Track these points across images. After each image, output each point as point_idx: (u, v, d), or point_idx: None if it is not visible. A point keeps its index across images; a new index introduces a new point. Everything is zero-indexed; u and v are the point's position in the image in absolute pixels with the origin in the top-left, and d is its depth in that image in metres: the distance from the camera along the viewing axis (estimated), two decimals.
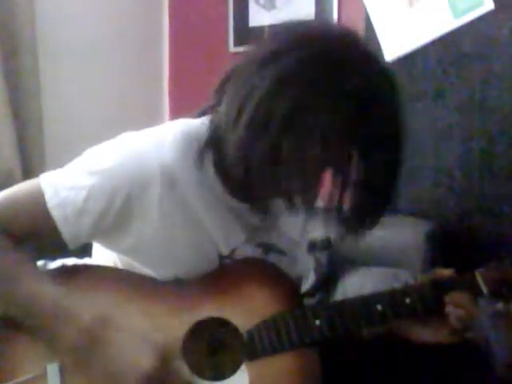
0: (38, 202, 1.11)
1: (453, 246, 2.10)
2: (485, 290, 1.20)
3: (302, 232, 1.35)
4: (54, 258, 1.23)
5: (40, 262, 1.63)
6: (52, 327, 1.10)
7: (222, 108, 1.11)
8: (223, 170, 1.16)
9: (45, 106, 2.35)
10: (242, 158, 1.06)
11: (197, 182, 1.16)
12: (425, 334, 1.22)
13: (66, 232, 1.12)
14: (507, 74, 2.05)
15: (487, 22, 2.06)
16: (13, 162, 2.23)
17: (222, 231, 1.20)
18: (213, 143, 1.16)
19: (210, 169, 1.17)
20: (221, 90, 1.12)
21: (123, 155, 1.14)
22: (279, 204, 1.27)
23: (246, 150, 1.05)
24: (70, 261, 1.27)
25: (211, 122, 1.17)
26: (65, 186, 1.12)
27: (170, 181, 1.13)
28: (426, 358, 1.25)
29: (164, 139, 1.15)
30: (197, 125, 1.19)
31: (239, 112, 1.05)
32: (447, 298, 1.18)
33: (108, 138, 1.18)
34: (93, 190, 1.11)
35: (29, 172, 2.27)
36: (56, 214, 1.11)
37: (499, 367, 1.37)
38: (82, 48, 2.57)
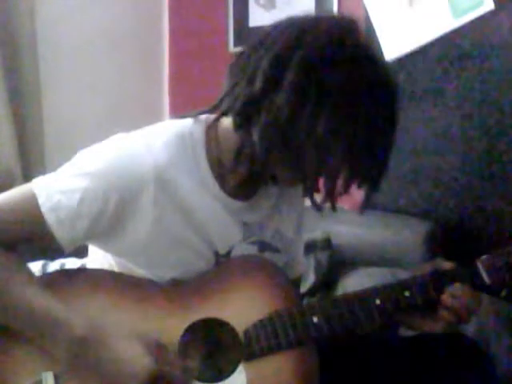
0: (31, 207, 1.10)
1: (453, 246, 2.10)
2: (486, 278, 1.19)
3: (296, 230, 1.34)
4: (53, 258, 1.23)
5: (40, 262, 1.63)
6: (47, 338, 1.09)
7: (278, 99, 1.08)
8: (222, 169, 1.16)
9: (45, 106, 2.35)
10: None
11: (192, 182, 1.15)
12: (420, 322, 1.22)
13: (61, 236, 1.11)
14: (507, 74, 2.05)
15: (487, 21, 2.06)
16: (13, 162, 2.24)
17: (219, 230, 1.19)
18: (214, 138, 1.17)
19: (205, 168, 1.17)
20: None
21: (116, 157, 1.12)
22: (273, 201, 1.27)
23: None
24: (70, 261, 1.27)
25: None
26: (57, 189, 1.10)
27: (163, 182, 1.12)
28: (426, 358, 1.25)
29: (157, 140, 1.14)
30: (190, 125, 1.19)
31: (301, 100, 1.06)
32: (446, 289, 1.18)
33: (108, 137, 1.18)
34: (86, 192, 1.10)
35: (29, 172, 2.27)
36: (50, 218, 1.10)
37: (499, 366, 1.37)
38: (82, 48, 2.57)
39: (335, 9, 2.53)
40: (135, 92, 2.82)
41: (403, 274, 1.91)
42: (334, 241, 2.18)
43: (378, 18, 2.29)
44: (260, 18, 2.71)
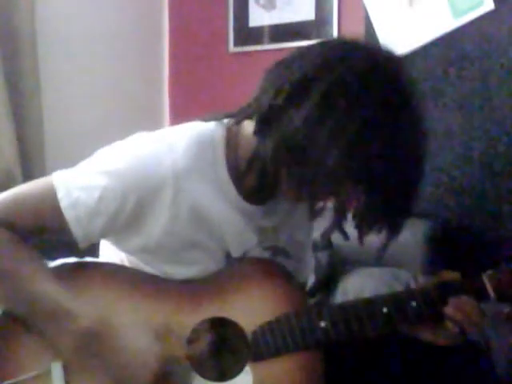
0: (50, 200, 1.11)
1: (453, 245, 2.10)
2: (491, 292, 1.20)
3: (307, 234, 1.35)
4: (54, 258, 1.23)
5: None
6: (53, 327, 1.10)
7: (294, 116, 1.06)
8: (239, 173, 1.17)
9: (45, 106, 2.35)
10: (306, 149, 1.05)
11: (209, 185, 1.16)
12: (423, 333, 1.22)
13: (78, 232, 1.12)
14: (507, 74, 2.05)
15: (487, 21, 2.06)
16: (13, 162, 2.23)
17: (235, 234, 1.20)
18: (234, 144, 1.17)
19: (223, 172, 1.17)
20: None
21: (136, 157, 1.13)
22: (288, 206, 1.27)
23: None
24: (71, 261, 1.27)
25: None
26: (77, 185, 1.11)
27: (182, 184, 1.12)
28: (426, 358, 1.25)
29: (177, 143, 1.14)
30: (212, 127, 1.19)
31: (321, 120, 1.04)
32: (450, 300, 1.18)
33: (108, 138, 1.18)
34: (105, 191, 1.10)
35: (29, 172, 2.27)
36: (68, 214, 1.11)
37: (499, 366, 1.37)
38: (82, 48, 2.57)
39: (335, 9, 2.53)
40: (135, 92, 2.81)
41: (404, 275, 1.91)
42: (334, 241, 2.17)
43: (378, 18, 2.29)
44: (260, 18, 2.71)
